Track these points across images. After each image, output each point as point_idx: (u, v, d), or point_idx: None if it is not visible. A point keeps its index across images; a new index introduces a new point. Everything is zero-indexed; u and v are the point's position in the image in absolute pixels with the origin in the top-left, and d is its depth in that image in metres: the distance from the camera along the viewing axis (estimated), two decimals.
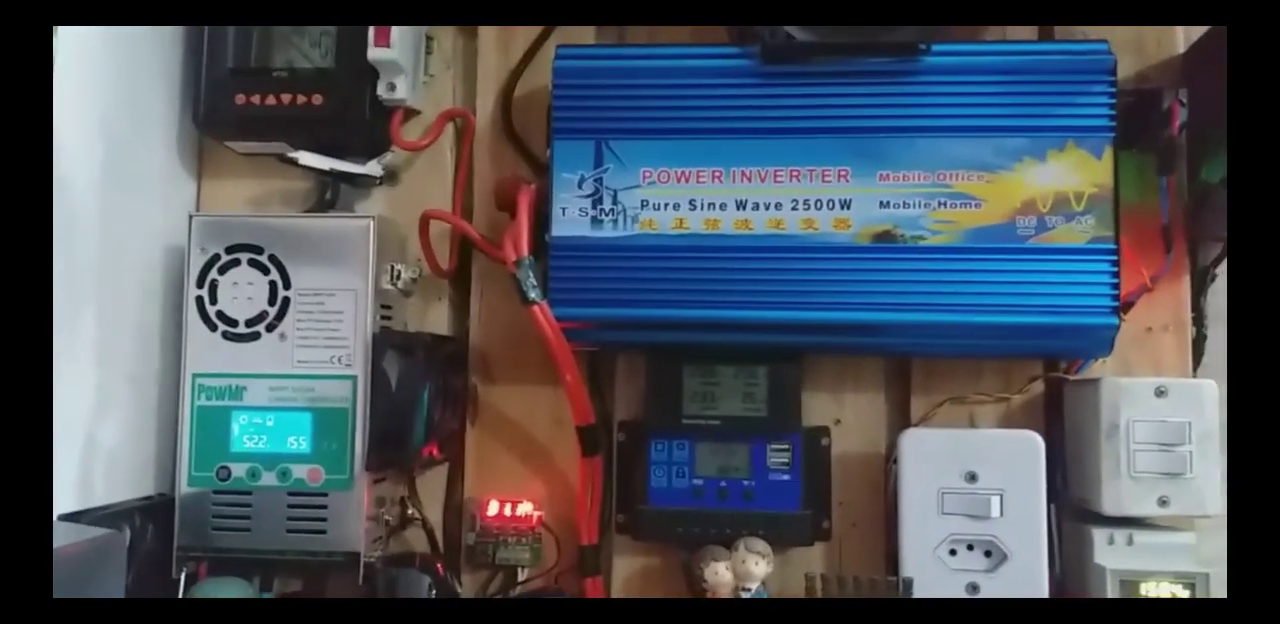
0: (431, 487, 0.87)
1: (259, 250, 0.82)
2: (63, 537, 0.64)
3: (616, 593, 0.84)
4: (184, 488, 0.81)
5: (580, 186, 0.79)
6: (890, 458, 0.81)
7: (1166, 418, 0.72)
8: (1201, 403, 0.72)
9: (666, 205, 0.78)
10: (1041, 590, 0.73)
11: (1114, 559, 0.72)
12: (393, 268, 0.84)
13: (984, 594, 0.73)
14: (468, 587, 0.85)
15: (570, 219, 0.79)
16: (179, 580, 0.79)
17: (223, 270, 0.82)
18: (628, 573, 0.84)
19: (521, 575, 0.84)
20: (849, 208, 0.76)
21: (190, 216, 0.83)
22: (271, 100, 0.86)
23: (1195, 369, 0.81)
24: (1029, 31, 0.84)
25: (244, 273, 0.82)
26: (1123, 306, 0.74)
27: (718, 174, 0.77)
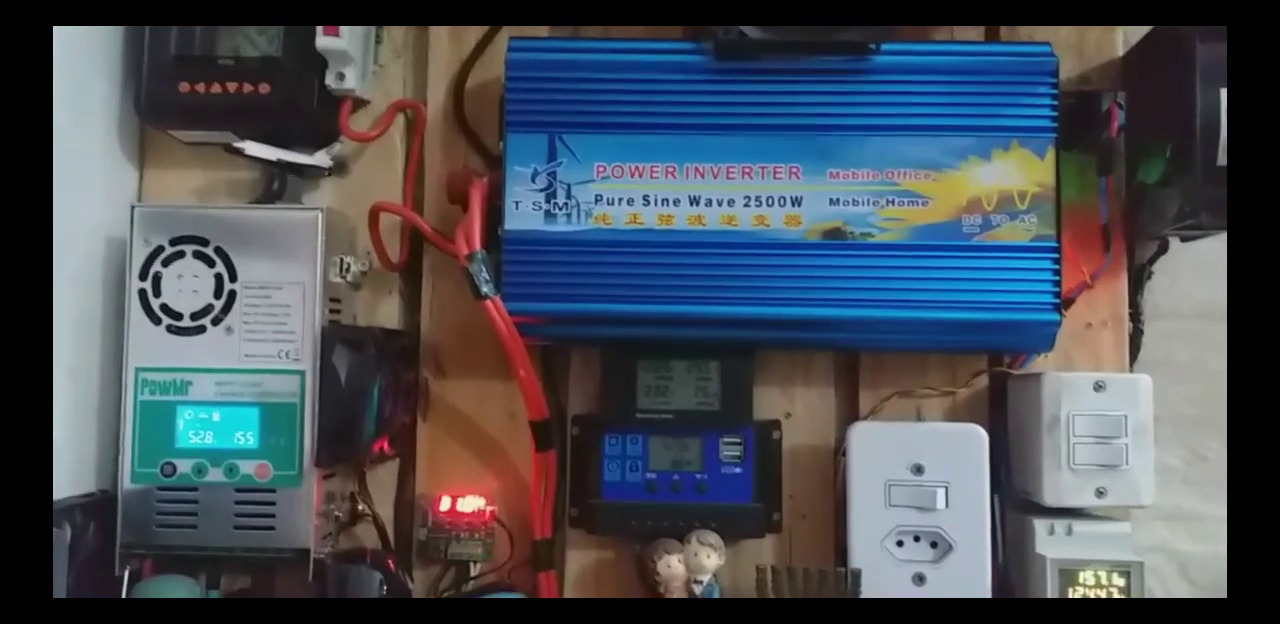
0: (382, 482, 0.87)
1: (204, 242, 0.81)
2: None
3: (570, 587, 0.84)
4: (127, 484, 0.79)
5: (534, 180, 0.78)
6: (839, 451, 0.82)
7: (1104, 411, 0.74)
8: (1137, 397, 0.75)
9: (620, 200, 0.78)
10: (985, 580, 0.75)
11: (1054, 549, 0.74)
12: (342, 260, 0.83)
13: (930, 585, 0.75)
14: (419, 583, 0.85)
15: (523, 213, 0.78)
16: (122, 579, 0.78)
17: (166, 263, 0.81)
18: (581, 567, 0.84)
19: (474, 571, 0.84)
20: (800, 205, 0.77)
21: (132, 207, 0.81)
22: (217, 89, 0.84)
23: (1132, 364, 0.84)
24: (976, 32, 0.86)
25: (189, 265, 0.81)
26: (1064, 303, 0.76)
27: (671, 170, 0.78)
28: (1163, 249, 0.85)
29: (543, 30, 0.87)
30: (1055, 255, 0.75)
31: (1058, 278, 0.75)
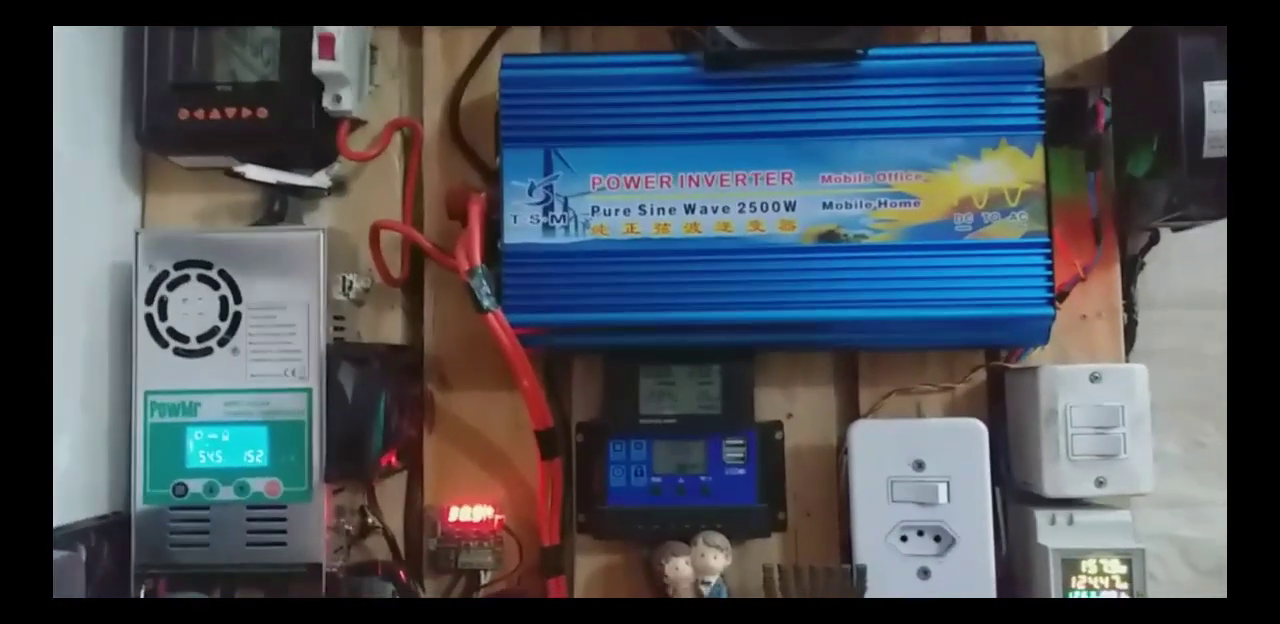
0: (391, 495, 0.88)
1: (208, 265, 0.82)
2: None
3: (579, 592, 0.85)
4: (139, 505, 0.81)
5: (531, 194, 0.80)
6: (841, 449, 0.83)
7: (1101, 402, 0.75)
8: (1133, 386, 0.76)
9: (617, 211, 0.79)
10: (989, 572, 0.76)
11: (1056, 539, 0.75)
12: (344, 278, 0.84)
13: (935, 578, 0.76)
14: (431, 592, 0.86)
15: (522, 226, 0.80)
16: (138, 599, 0.79)
17: (172, 286, 0.82)
18: (590, 572, 0.85)
19: (485, 579, 0.85)
20: (793, 209, 0.78)
21: (136, 233, 0.83)
22: (215, 114, 0.85)
23: (1128, 353, 0.85)
24: (962, 32, 0.87)
25: (193, 289, 0.82)
26: (1058, 296, 0.77)
27: (666, 179, 0.79)
28: (1154, 240, 0.86)
29: (533, 35, 0.89)
30: (1047, 250, 0.76)
31: (1050, 272, 0.76)
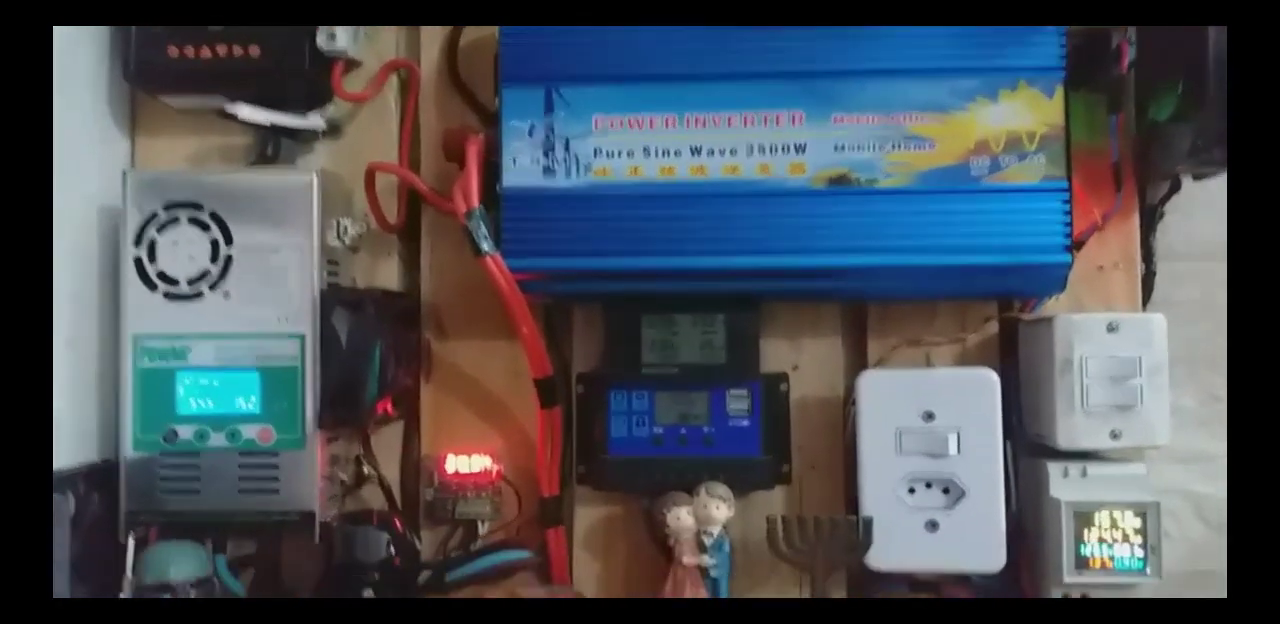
0: (388, 444, 0.86)
1: (199, 207, 0.80)
2: None
3: (578, 543, 0.83)
4: (129, 452, 0.79)
5: (531, 135, 0.77)
6: (848, 401, 0.81)
7: (1117, 353, 0.73)
8: (1151, 337, 0.73)
9: (620, 153, 0.76)
10: (999, 525, 0.74)
11: (1069, 491, 0.73)
12: (338, 223, 0.82)
13: (943, 531, 0.74)
14: (427, 542, 0.85)
15: (521, 169, 0.77)
16: (127, 546, 0.77)
17: (161, 229, 0.80)
18: (590, 523, 0.84)
19: (482, 529, 0.84)
20: (804, 152, 0.75)
21: (125, 174, 0.80)
22: (206, 52, 0.82)
23: (1145, 305, 0.82)
24: None
25: (183, 231, 0.80)
26: (1075, 245, 0.75)
27: (671, 120, 0.76)
28: (1175, 188, 0.83)
29: None
30: (1065, 195, 0.73)
31: (1069, 218, 0.73)
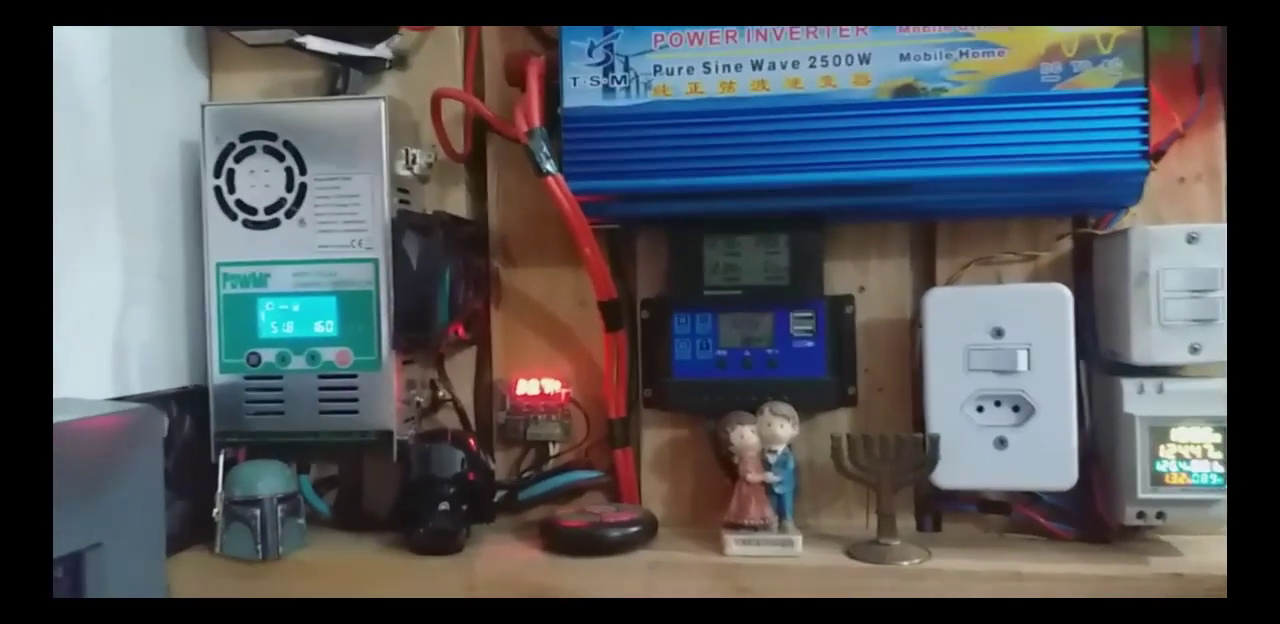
0: (461, 369, 0.88)
1: (273, 137, 0.82)
2: (101, 413, 0.65)
3: (646, 464, 0.85)
4: (216, 375, 0.83)
5: (590, 54, 0.77)
6: (916, 322, 0.80)
7: (1197, 264, 0.70)
8: None
9: (680, 69, 0.76)
10: (1071, 442, 0.73)
11: (1144, 407, 0.71)
12: (408, 152, 0.83)
13: (1012, 448, 0.73)
14: (501, 463, 0.87)
15: (582, 89, 0.77)
16: (218, 465, 0.81)
17: (238, 159, 0.82)
18: (657, 444, 0.85)
19: (553, 450, 0.86)
20: (868, 63, 0.74)
21: (203, 107, 0.83)
22: None
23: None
24: None
25: (260, 160, 0.82)
26: (1153, 155, 0.72)
27: (731, 34, 0.75)
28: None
29: None
30: (1143, 100, 0.70)
31: (1146, 123, 0.70)
